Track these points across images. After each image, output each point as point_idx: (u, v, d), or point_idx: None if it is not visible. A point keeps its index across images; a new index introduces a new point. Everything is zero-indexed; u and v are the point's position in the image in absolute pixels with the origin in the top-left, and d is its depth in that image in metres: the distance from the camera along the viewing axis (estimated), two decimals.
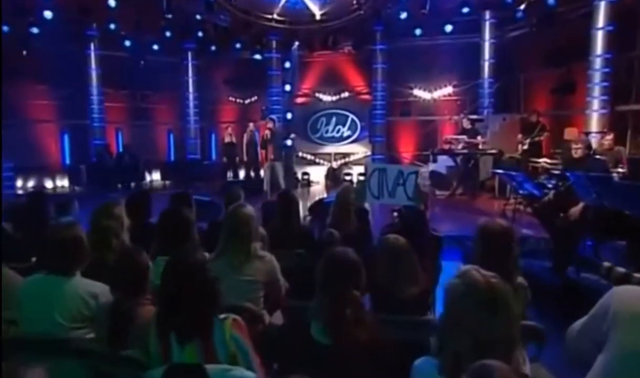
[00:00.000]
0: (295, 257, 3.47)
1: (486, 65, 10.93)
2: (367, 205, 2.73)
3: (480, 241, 2.12)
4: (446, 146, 9.64)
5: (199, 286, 1.79)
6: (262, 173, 9.47)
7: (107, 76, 12.03)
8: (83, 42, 11.71)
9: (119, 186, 11.30)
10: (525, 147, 8.91)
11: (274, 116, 9.20)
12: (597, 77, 7.89)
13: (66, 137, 12.18)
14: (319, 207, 7.38)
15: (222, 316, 1.84)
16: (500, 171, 7.21)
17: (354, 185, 9.41)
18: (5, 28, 10.42)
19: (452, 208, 8.37)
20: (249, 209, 2.65)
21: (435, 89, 12.12)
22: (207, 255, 2.73)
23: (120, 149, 12.25)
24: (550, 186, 5.74)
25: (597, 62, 7.87)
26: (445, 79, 11.90)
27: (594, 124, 7.98)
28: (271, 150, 8.62)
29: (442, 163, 10.02)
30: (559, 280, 4.40)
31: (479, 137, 9.33)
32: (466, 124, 9.51)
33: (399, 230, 2.82)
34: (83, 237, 2.28)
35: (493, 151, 8.96)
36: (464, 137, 9.17)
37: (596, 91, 7.91)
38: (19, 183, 11.49)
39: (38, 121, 11.76)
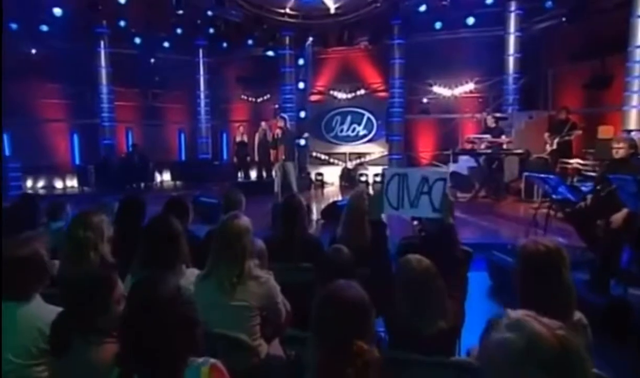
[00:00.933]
0: (300, 272, 3.10)
1: (511, 59, 10.39)
2: (384, 217, 2.33)
3: (524, 269, 1.70)
4: (468, 146, 9.17)
5: (167, 322, 1.41)
6: (273, 173, 9.18)
7: (117, 74, 11.95)
8: (93, 40, 11.62)
9: (129, 187, 11.20)
10: (554, 147, 8.42)
11: (284, 115, 8.86)
12: (637, 70, 7.30)
13: (76, 137, 12.13)
14: (332, 211, 7.15)
15: (200, 360, 1.47)
16: (532, 173, 6.70)
17: (369, 189, 9.03)
18: (13, 25, 10.36)
19: (474, 211, 7.93)
20: (244, 221, 2.28)
21: (456, 86, 11.66)
22: (196, 272, 2.41)
23: (132, 149, 12.07)
24: (585, 189, 5.24)
25: (638, 54, 7.28)
26: (466, 75, 11.41)
27: (633, 121, 7.39)
28: (282, 150, 8.29)
29: (464, 164, 9.64)
30: (601, 296, 3.92)
31: (503, 136, 8.85)
32: (490, 123, 9.03)
33: (421, 247, 2.41)
34: (42, 254, 1.94)
35: (519, 151, 8.45)
36: (488, 136, 8.68)
37: (635, 85, 7.32)
38: (29, 183, 11.48)
39: (48, 120, 11.72)
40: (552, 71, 10.36)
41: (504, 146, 8.72)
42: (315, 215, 7.50)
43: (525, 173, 7.75)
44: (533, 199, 8.21)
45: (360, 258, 2.54)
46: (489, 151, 8.68)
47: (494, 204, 8.44)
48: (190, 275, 2.39)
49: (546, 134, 8.71)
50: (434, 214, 2.14)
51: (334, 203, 7.42)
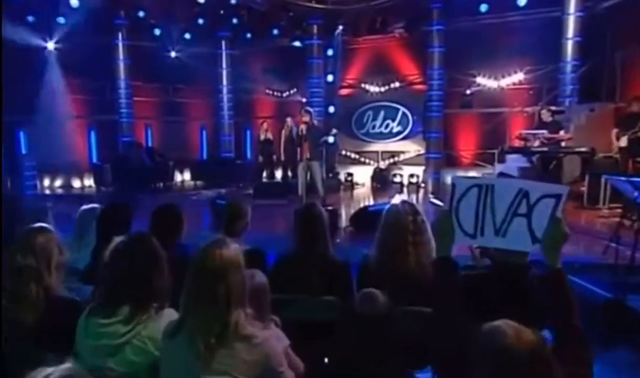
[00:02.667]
0: (320, 308, 2.39)
1: (569, 44, 9.35)
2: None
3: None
4: (519, 143, 8.25)
5: None
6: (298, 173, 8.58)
7: (136, 68, 11.72)
8: (110, 32, 11.39)
9: (149, 187, 10.89)
10: (623, 144, 7.39)
11: (310, 109, 8.20)
12: None
13: (93, 134, 12.00)
14: (362, 218, 6.45)
15: None
16: (612, 176, 5.73)
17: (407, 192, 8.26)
18: (30, 18, 10.19)
19: None
20: (230, 251, 1.58)
21: (503, 76, 10.82)
22: (174, 313, 1.75)
23: (148, 146, 11.79)
24: None
25: None
26: (515, 63, 10.54)
27: None
28: (307, 147, 7.63)
29: (513, 164, 8.78)
30: None
31: (562, 132, 7.91)
32: (546, 117, 8.13)
33: (493, 289, 1.65)
34: None
35: (583, 149, 7.44)
36: (544, 132, 7.73)
37: None
38: (46, 182, 11.37)
39: (66, 117, 11.41)
40: (620, 55, 9.26)
41: (563, 144, 7.76)
42: (343, 222, 6.79)
43: (605, 176, 6.71)
44: (598, 206, 7.37)
45: (400, 295, 1.86)
46: (545, 149, 7.76)
47: None
48: (167, 319, 1.72)
49: (614, 130, 7.70)
50: (534, 249, 1.38)
51: (365, 208, 6.76)
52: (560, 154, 7.69)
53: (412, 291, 2.24)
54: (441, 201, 8.33)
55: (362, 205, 8.17)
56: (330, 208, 6.96)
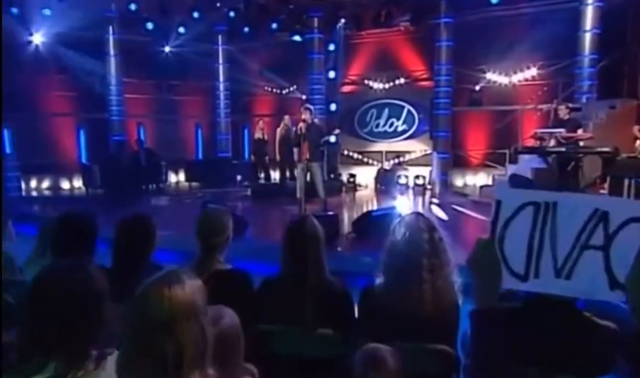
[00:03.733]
0: (315, 341, 2.09)
1: (587, 37, 8.96)
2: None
3: None
4: (534, 143, 7.87)
5: None
6: (296, 175, 8.24)
7: (127, 63, 11.48)
8: (100, 25, 11.07)
9: (141, 189, 10.67)
10: None
11: (310, 106, 7.78)
12: None
13: (82, 133, 11.76)
14: (365, 223, 6.09)
15: None
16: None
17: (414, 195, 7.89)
18: (14, 10, 9.84)
19: None
20: (186, 291, 1.16)
21: (515, 72, 10.52)
22: None
23: (141, 146, 11.45)
24: None
25: None
26: (527, 58, 10.21)
27: None
28: (307, 147, 7.19)
29: (526, 164, 8.54)
30: None
31: (580, 131, 7.52)
32: (563, 114, 7.76)
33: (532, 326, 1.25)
34: None
35: (605, 149, 7.01)
36: (562, 130, 7.33)
37: None
38: (33, 183, 11.07)
39: (53, 115, 11.37)
40: None
41: (582, 143, 7.35)
42: (345, 227, 6.42)
43: (634, 178, 6.30)
44: None
45: (414, 332, 1.71)
46: (562, 148, 7.34)
47: None
48: (112, 372, 1.31)
49: (636, 128, 7.33)
50: (613, 296, 0.96)
51: (369, 213, 6.41)
52: (580, 154, 7.26)
53: (428, 327, 1.86)
54: (443, 208, 7.88)
55: (365, 209, 7.82)
56: (331, 213, 6.64)
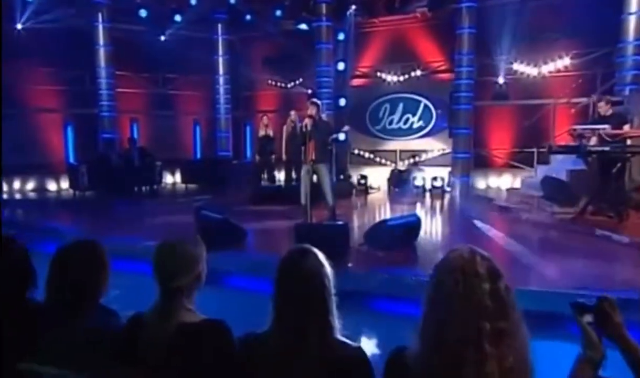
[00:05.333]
0: None
1: (632, 21, 8.40)
2: None
3: None
4: (570, 141, 7.33)
5: None
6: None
7: (120, 55, 11.26)
8: (89, 13, 10.83)
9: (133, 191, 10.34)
10: None
11: (317, 100, 7.29)
12: None
13: (70, 130, 11.50)
14: (380, 233, 5.53)
15: None
16: None
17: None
18: None
19: (581, 238, 6.19)
20: None
21: (545, 62, 10.23)
22: None
23: (134, 144, 11.12)
24: None
25: None
26: (559, 47, 9.93)
27: None
28: (313, 147, 6.62)
29: (560, 165, 8.17)
30: None
31: (626, 127, 6.95)
32: (604, 109, 7.19)
33: None
34: None
35: None
36: (607, 127, 6.69)
37: None
38: (17, 184, 10.80)
39: (38, 110, 11.18)
40: None
41: (629, 142, 6.73)
42: (356, 236, 5.87)
43: None
44: None
45: None
46: (606, 147, 6.69)
47: (615, 225, 6.49)
48: None
49: None
50: None
51: (383, 222, 5.86)
52: (628, 154, 6.63)
53: None
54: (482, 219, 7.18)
55: (378, 216, 7.31)
56: (340, 222, 6.08)
